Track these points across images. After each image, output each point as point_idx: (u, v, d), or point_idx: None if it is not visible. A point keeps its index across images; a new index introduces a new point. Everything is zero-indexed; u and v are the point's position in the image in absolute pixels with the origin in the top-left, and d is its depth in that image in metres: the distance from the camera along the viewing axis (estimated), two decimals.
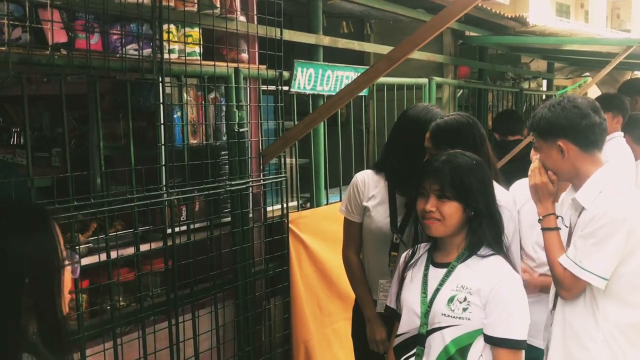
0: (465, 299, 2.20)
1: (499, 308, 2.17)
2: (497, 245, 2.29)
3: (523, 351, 2.22)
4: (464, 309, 2.19)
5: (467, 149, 2.48)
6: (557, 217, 2.50)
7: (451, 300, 2.21)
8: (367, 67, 4.10)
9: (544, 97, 8.95)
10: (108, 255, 2.70)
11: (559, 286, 2.41)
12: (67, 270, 1.48)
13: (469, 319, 2.19)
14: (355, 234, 2.95)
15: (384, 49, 4.67)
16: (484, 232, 2.27)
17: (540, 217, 2.50)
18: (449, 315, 2.20)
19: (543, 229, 2.49)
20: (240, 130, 3.25)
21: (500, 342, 2.17)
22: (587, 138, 2.41)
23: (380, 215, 2.83)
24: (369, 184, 2.89)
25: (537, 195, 2.52)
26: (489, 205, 2.28)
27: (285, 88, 3.66)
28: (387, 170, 2.87)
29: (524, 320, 2.22)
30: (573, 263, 2.34)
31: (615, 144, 4.47)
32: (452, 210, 2.23)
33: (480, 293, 2.19)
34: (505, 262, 2.27)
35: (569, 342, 2.43)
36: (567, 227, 2.51)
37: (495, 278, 2.20)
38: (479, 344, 2.20)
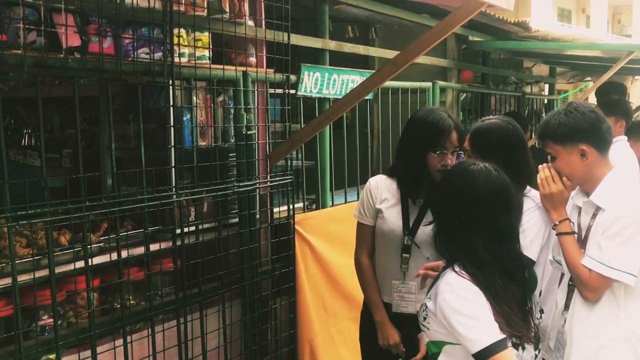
0: (426, 308, 2.18)
1: (450, 328, 2.07)
2: (455, 257, 2.17)
3: (503, 351, 2.01)
4: (424, 318, 2.19)
5: (509, 153, 2.58)
6: (571, 222, 2.53)
7: (422, 306, 2.23)
8: (373, 71, 4.13)
9: (545, 101, 8.96)
10: (119, 255, 2.73)
11: (585, 288, 2.40)
12: None
13: (428, 328, 2.18)
14: (367, 236, 2.94)
15: (389, 53, 4.69)
16: (440, 245, 2.27)
17: (556, 223, 2.52)
18: (419, 318, 2.24)
19: (559, 234, 2.51)
20: (248, 132, 3.27)
21: (476, 357, 2.04)
22: (605, 141, 2.47)
23: (392, 217, 2.84)
24: (382, 188, 2.90)
25: (552, 203, 2.54)
26: (450, 218, 2.18)
27: (292, 91, 3.69)
28: (397, 174, 2.88)
29: (472, 328, 2.03)
30: (600, 264, 2.35)
31: (619, 147, 4.52)
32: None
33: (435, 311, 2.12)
34: (452, 273, 2.12)
35: (589, 343, 2.43)
36: (575, 232, 2.54)
37: (438, 297, 2.12)
38: (446, 355, 2.14)
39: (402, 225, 2.82)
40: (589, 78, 10.57)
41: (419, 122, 2.85)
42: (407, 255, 2.81)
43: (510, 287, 2.12)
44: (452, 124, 2.75)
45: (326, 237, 3.84)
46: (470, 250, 2.12)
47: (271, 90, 3.57)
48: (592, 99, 7.65)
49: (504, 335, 2.03)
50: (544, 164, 2.58)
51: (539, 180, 2.57)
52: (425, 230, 2.80)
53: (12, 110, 4.95)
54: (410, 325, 2.73)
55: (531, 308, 2.25)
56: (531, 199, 2.64)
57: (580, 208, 2.55)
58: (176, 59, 2.92)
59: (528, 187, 2.69)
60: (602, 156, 2.47)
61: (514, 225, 2.20)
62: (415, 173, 2.79)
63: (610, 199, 2.41)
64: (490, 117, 2.81)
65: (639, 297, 2.38)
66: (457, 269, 2.12)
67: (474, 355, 2.03)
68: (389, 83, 4.21)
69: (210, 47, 3.14)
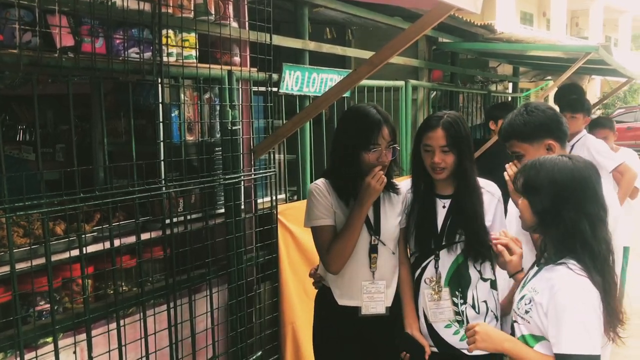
0: (531, 301, 2.05)
1: (551, 322, 1.97)
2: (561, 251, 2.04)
3: None
4: (526, 311, 2.06)
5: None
6: None
7: (523, 299, 2.10)
8: (349, 70, 4.14)
9: (509, 98, 9.06)
10: (111, 244, 2.71)
11: None
12: None
13: (528, 322, 2.05)
14: (330, 237, 2.63)
15: (364, 54, 4.71)
16: (550, 243, 2.09)
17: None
18: (516, 310, 2.13)
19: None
20: (233, 128, 3.26)
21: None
22: (566, 135, 2.55)
23: None
24: (331, 190, 2.68)
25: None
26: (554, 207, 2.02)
27: (275, 89, 3.68)
28: (333, 176, 2.70)
29: (574, 329, 1.91)
30: None
31: (590, 140, 4.64)
32: (522, 206, 2.15)
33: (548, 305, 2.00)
34: (568, 271, 1.98)
35: None
36: None
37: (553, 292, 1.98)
38: (542, 346, 2.03)
39: (366, 226, 2.63)
40: (549, 77, 10.70)
41: (348, 122, 2.65)
42: (375, 255, 2.64)
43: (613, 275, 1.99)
44: (381, 119, 2.56)
45: None
46: (590, 245, 1.97)
47: (255, 88, 3.56)
48: (552, 96, 7.74)
49: (598, 353, 1.91)
50: (510, 163, 2.58)
51: (506, 177, 2.54)
52: (386, 227, 2.66)
53: (7, 107, 4.87)
54: (379, 326, 2.66)
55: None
56: (490, 194, 2.66)
57: None
58: (165, 58, 2.90)
59: (485, 182, 2.69)
60: (563, 149, 2.52)
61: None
62: (351, 173, 2.60)
63: None
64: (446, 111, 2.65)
65: None
66: (571, 266, 1.98)
67: (557, 355, 1.93)
68: (365, 82, 4.23)
69: (197, 47, 3.13)
